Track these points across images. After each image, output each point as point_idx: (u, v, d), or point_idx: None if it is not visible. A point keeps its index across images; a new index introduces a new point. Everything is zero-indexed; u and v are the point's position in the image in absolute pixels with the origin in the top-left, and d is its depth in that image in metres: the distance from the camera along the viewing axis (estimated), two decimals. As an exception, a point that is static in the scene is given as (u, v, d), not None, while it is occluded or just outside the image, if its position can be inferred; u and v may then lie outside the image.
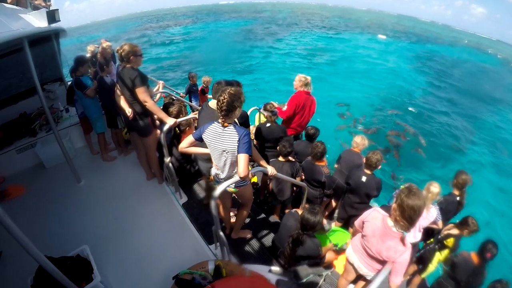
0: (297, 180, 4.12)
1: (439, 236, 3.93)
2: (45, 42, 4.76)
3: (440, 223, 3.81)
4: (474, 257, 3.52)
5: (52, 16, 3.58)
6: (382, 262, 2.56)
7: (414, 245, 3.83)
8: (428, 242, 4.09)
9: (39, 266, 2.32)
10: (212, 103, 3.08)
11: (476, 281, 3.49)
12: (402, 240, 2.35)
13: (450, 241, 3.80)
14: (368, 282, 2.86)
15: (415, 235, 3.69)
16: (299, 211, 3.47)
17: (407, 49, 37.73)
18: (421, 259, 4.14)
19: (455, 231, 3.82)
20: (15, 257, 3.22)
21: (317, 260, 3.42)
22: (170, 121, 3.68)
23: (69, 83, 5.40)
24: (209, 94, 7.79)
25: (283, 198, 4.40)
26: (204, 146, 2.77)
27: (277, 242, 3.54)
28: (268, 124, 4.71)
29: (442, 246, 3.86)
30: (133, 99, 3.70)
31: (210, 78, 8.33)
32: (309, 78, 4.97)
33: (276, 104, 5.09)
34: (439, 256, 3.93)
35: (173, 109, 4.17)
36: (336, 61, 25.52)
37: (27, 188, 4.52)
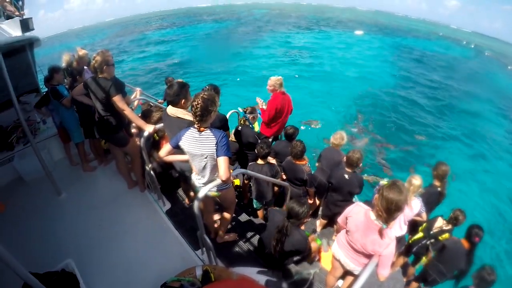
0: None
1: (432, 232, 4.01)
2: (19, 52, 4.66)
3: (424, 215, 3.94)
4: (464, 243, 3.69)
5: (26, 25, 3.52)
6: (368, 256, 2.60)
7: (400, 238, 3.92)
8: (416, 237, 4.17)
9: (24, 283, 2.27)
10: (170, 110, 3.05)
11: (464, 263, 3.66)
12: (380, 232, 2.39)
13: (445, 236, 3.89)
14: (356, 277, 2.89)
15: (401, 227, 3.78)
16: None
17: (383, 43, 38.42)
18: (415, 255, 4.27)
19: (448, 226, 3.93)
20: None
21: (304, 254, 3.43)
22: (149, 128, 3.59)
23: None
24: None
25: (265, 201, 4.43)
26: (183, 153, 2.77)
27: (265, 240, 3.52)
28: (239, 128, 4.71)
29: (437, 242, 3.95)
30: (106, 112, 3.64)
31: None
32: (281, 78, 5.04)
33: (261, 102, 5.10)
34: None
35: (155, 114, 4.13)
36: (314, 59, 25.78)
37: (7, 203, 4.38)
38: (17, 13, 5.01)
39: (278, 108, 5.07)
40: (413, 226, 4.15)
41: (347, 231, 2.79)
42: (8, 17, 4.44)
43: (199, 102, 2.42)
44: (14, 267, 1.68)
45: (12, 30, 3.52)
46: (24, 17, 5.09)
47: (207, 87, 3.69)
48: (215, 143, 2.49)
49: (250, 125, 4.87)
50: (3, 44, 3.10)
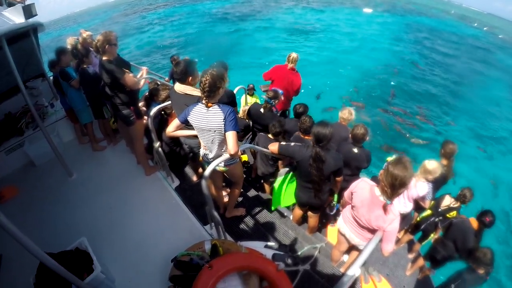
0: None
1: (440, 209, 4.05)
2: (23, 38, 4.67)
3: (427, 203, 3.88)
4: (473, 222, 3.75)
5: (28, 11, 3.51)
6: (373, 232, 2.63)
7: (406, 215, 3.94)
8: (425, 215, 4.21)
9: (40, 263, 2.35)
10: (178, 87, 3.08)
11: (472, 242, 3.68)
12: (385, 207, 2.41)
13: (453, 214, 3.94)
14: (360, 251, 2.95)
15: (405, 204, 3.78)
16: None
17: (393, 22, 37.06)
18: (423, 232, 4.30)
19: (456, 204, 3.96)
20: (15, 258, 3.24)
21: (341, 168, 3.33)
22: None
23: (51, 78, 5.33)
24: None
25: (269, 172, 4.48)
26: (191, 128, 2.81)
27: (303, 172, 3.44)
28: (261, 110, 4.69)
29: (445, 219, 4.00)
30: (113, 93, 3.69)
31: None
32: (293, 54, 5.23)
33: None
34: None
35: (162, 93, 4.17)
36: (321, 37, 25.17)
37: (20, 188, 4.51)
38: (18, 0, 4.99)
39: (272, 78, 5.35)
40: (419, 205, 4.17)
41: (352, 206, 2.82)
42: (10, 4, 4.43)
43: (207, 78, 2.44)
44: (30, 248, 1.74)
45: (15, 17, 3.51)
46: (26, 2, 5.08)
47: (215, 63, 3.70)
48: (223, 118, 2.52)
49: (275, 111, 4.80)
50: (7, 31, 3.11)
